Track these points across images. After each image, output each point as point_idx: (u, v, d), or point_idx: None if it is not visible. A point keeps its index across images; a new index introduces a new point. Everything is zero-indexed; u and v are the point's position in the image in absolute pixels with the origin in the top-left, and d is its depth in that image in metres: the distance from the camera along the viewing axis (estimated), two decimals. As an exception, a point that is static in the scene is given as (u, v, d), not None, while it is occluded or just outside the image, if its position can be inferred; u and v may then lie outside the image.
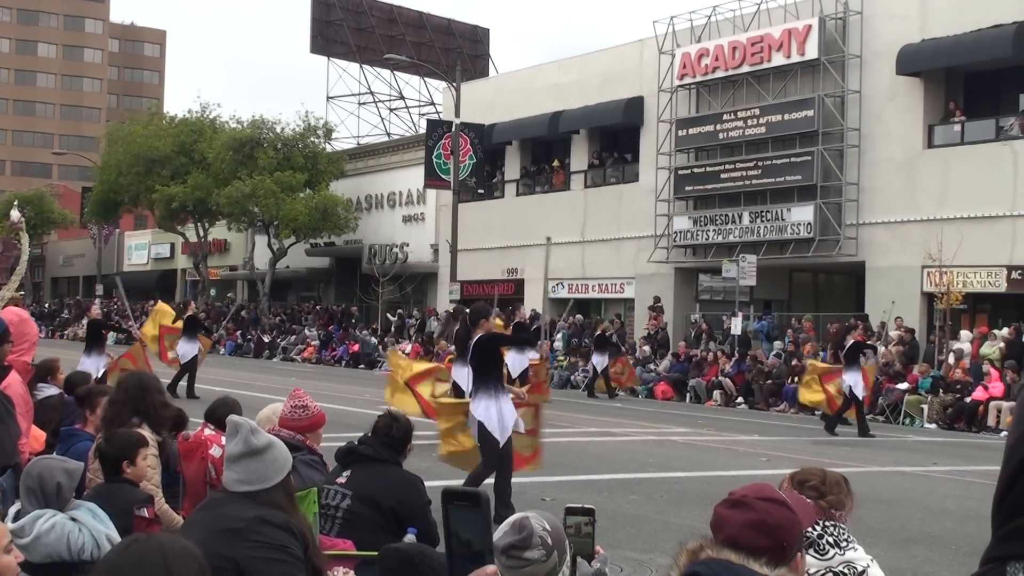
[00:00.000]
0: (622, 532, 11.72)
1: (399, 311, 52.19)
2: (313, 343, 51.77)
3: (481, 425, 12.64)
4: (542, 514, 4.07)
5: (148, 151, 61.79)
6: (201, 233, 64.34)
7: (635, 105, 44.15)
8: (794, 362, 33.49)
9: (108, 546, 4.59)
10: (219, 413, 8.74)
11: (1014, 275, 32.76)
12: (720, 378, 34.63)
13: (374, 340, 48.93)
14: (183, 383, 27.17)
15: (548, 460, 17.74)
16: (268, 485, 4.86)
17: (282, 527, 4.78)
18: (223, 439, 6.59)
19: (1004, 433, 24.19)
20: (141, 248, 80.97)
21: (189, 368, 27.44)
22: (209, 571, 3.07)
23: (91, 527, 4.94)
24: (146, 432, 7.66)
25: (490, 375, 12.93)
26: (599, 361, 33.94)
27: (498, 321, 18.60)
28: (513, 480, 12.74)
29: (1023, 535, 1.48)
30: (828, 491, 5.16)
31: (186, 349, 27.70)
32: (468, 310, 15.24)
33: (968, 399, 28.70)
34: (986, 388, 28.52)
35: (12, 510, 5.17)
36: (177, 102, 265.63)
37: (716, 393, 34.36)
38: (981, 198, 33.32)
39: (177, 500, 8.41)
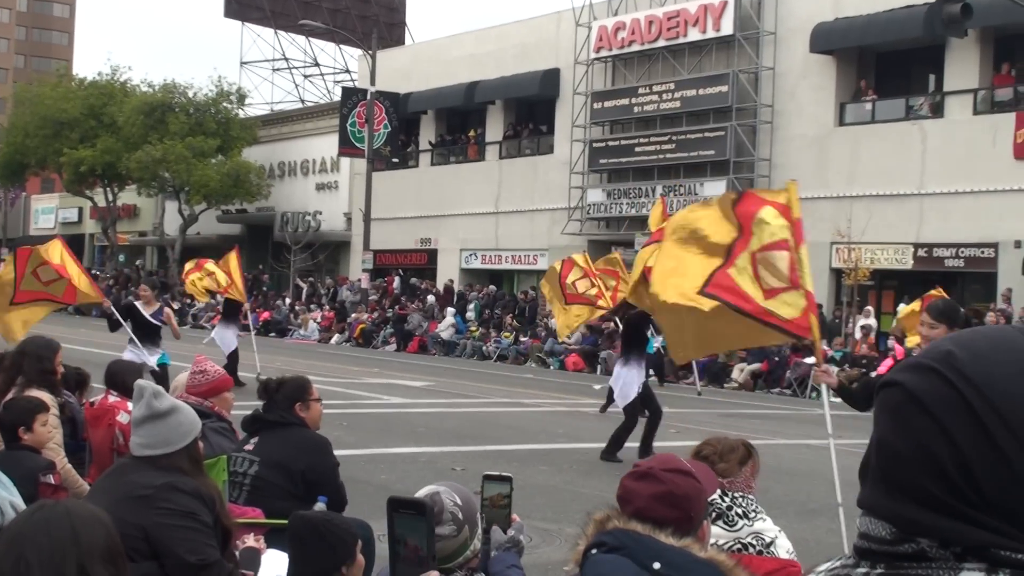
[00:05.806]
0: (532, 502, 11.77)
1: (310, 279, 51.88)
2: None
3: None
4: (453, 487, 4.08)
5: (56, 113, 60.55)
6: (110, 198, 63.37)
7: (551, 77, 44.15)
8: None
9: (13, 513, 4.53)
10: (118, 379, 8.68)
11: (920, 252, 33.29)
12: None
13: (285, 307, 48.57)
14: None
15: (459, 430, 17.81)
16: (171, 449, 4.84)
17: (191, 493, 4.77)
18: (129, 405, 6.55)
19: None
20: (48, 212, 79.52)
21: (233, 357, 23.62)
22: (118, 537, 3.03)
23: (-5, 494, 4.87)
24: (45, 395, 7.62)
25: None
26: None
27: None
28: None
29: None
30: (719, 460, 5.23)
31: (225, 337, 24.35)
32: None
33: (873, 374, 29.14)
34: (896, 359, 28.99)
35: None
36: (87, 64, 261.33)
37: (627, 365, 34.45)
38: (890, 176, 33.77)
39: (83, 467, 8.33)
